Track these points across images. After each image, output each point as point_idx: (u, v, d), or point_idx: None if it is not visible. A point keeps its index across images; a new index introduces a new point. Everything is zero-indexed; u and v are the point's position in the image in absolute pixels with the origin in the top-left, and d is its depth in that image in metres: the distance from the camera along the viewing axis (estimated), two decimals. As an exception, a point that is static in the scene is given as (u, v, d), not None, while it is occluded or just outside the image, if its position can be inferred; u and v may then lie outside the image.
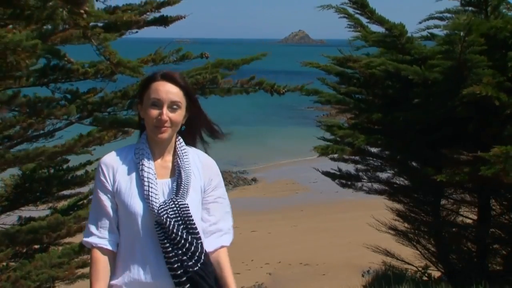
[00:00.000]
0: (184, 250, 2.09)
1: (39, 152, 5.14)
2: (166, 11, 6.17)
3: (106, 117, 5.26)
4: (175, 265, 2.08)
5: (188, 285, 2.08)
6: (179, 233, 2.09)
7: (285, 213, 16.59)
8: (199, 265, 2.10)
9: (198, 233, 2.15)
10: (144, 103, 2.19)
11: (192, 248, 2.11)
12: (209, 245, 2.22)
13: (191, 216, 2.13)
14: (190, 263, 2.09)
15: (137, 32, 5.57)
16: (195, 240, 2.12)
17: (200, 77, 5.56)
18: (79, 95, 5.66)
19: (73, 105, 5.17)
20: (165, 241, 2.09)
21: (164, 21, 5.52)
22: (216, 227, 2.27)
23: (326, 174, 7.48)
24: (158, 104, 2.14)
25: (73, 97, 5.60)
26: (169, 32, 6.05)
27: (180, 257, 2.08)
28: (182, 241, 2.09)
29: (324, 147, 6.32)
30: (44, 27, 4.17)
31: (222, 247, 2.27)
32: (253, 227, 14.85)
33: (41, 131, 5.65)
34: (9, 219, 6.31)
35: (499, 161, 4.84)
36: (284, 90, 5.94)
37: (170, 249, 2.08)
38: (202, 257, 2.13)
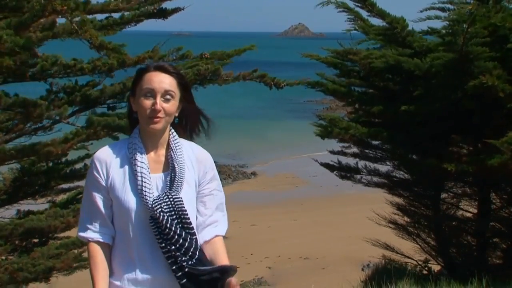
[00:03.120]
0: (178, 246, 2.06)
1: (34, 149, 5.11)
2: (167, 4, 6.15)
3: (100, 119, 5.23)
4: (169, 261, 2.05)
5: (184, 280, 2.05)
6: (173, 228, 2.06)
7: (285, 207, 16.57)
8: (194, 261, 2.07)
9: (192, 228, 2.12)
10: (137, 95, 2.16)
11: (186, 244, 2.08)
12: (204, 235, 2.19)
13: (185, 210, 2.10)
14: (184, 259, 2.06)
15: (135, 25, 5.54)
16: (189, 236, 2.09)
17: (202, 68, 5.54)
18: (77, 88, 5.62)
19: (66, 105, 5.12)
20: (158, 236, 2.06)
21: (162, 13, 5.48)
22: (212, 219, 2.24)
23: (325, 166, 7.47)
24: (151, 94, 2.12)
25: (72, 92, 5.56)
26: (168, 26, 6.01)
27: (174, 252, 2.05)
28: (176, 237, 2.06)
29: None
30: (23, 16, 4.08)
31: (216, 236, 2.24)
32: (252, 221, 14.84)
33: (39, 124, 5.61)
34: (8, 213, 6.29)
35: (509, 149, 4.81)
36: (283, 84, 5.99)
37: (163, 244, 2.06)
38: (197, 253, 2.09)
